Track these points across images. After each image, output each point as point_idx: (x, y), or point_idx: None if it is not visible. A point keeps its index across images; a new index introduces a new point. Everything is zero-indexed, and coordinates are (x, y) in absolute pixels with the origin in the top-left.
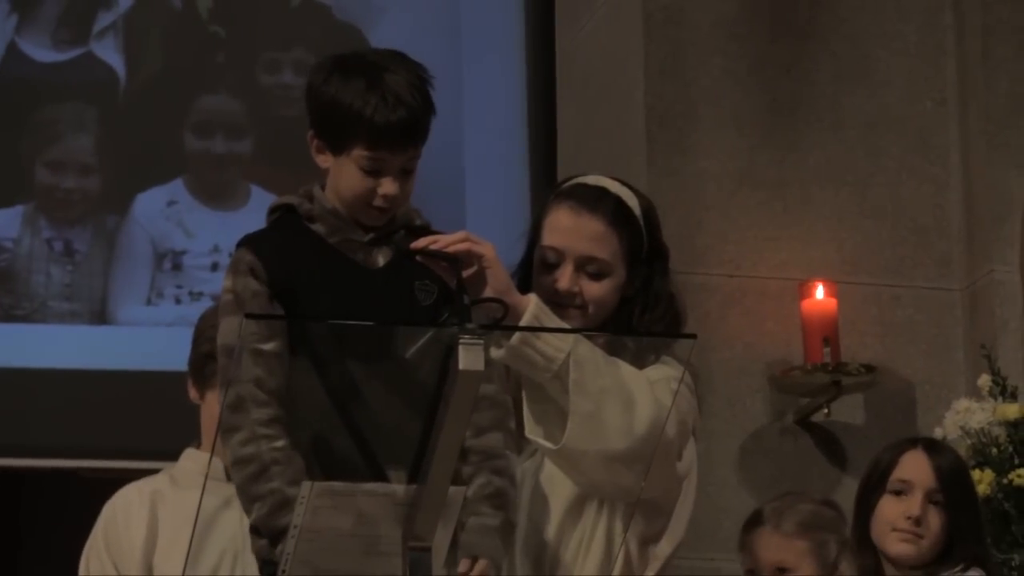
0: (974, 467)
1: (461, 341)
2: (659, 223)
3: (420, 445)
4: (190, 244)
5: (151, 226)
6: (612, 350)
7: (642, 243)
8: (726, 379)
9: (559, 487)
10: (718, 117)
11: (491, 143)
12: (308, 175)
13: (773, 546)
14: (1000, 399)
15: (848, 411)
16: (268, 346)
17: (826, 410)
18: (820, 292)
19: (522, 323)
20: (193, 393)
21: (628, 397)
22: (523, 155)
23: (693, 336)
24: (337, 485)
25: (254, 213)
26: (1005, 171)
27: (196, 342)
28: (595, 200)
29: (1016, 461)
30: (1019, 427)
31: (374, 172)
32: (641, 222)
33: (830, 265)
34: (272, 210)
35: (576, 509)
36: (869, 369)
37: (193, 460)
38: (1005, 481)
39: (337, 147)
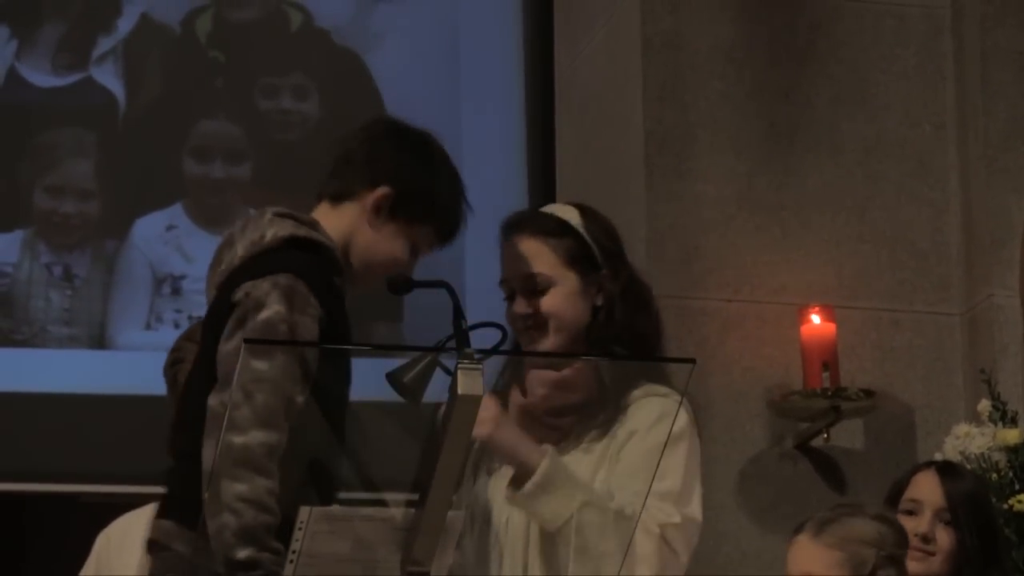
0: None
1: (460, 366)
2: (607, 226)
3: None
4: (189, 268)
5: (150, 251)
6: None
7: (586, 247)
8: (725, 404)
9: None
10: (716, 141)
11: (489, 168)
12: (306, 200)
13: (805, 554)
14: (1000, 424)
15: (847, 436)
16: (300, 399)
17: (825, 435)
18: (819, 317)
19: (535, 480)
20: None
21: (632, 559)
22: (522, 180)
23: (692, 361)
24: (336, 510)
25: None
26: (1004, 195)
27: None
28: (519, 222)
29: (1016, 486)
30: (1019, 452)
31: (415, 254)
32: (581, 229)
33: (829, 289)
34: (306, 243)
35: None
36: (868, 394)
37: None
38: (1005, 507)
39: (408, 220)
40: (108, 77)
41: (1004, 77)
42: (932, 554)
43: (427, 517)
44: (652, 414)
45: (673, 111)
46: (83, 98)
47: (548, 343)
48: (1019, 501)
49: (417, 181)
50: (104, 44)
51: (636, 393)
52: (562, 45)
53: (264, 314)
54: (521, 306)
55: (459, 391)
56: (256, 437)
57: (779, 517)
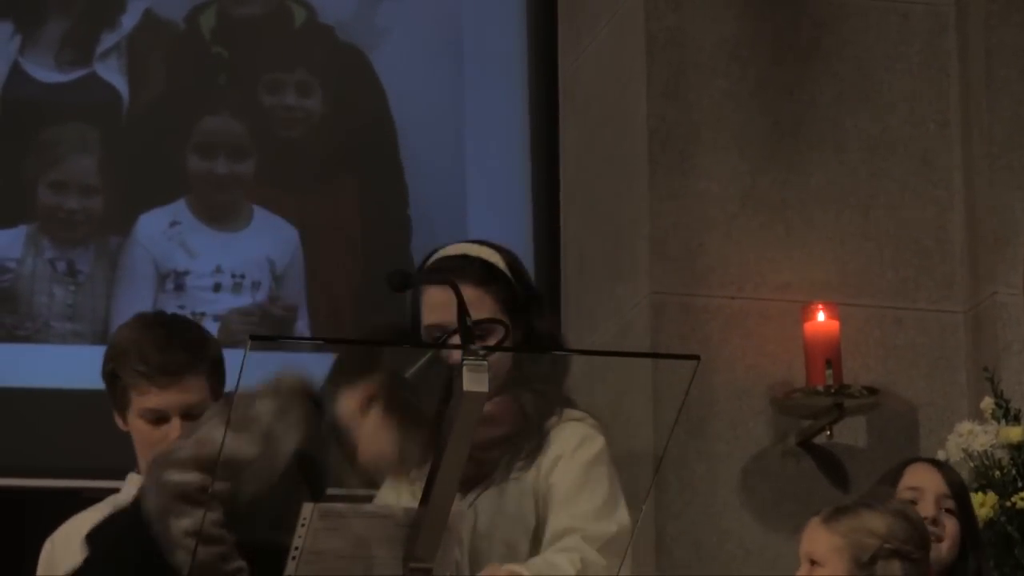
0: (976, 490)
1: (464, 363)
2: (524, 270)
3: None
4: (193, 264)
5: (153, 247)
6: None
7: (514, 293)
8: (728, 401)
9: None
10: (720, 139)
11: (493, 165)
12: (310, 195)
13: (812, 536)
14: (1003, 422)
15: (851, 433)
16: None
17: (828, 432)
18: (822, 314)
19: None
20: (119, 421)
21: None
22: (525, 177)
23: (696, 357)
24: (338, 507)
25: (256, 234)
26: (1008, 193)
27: (103, 365)
28: (457, 268)
29: (1019, 484)
30: (1022, 450)
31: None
32: (509, 274)
33: (832, 287)
34: None
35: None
36: (871, 391)
37: (136, 485)
38: (1008, 504)
39: None
40: (112, 73)
41: (1008, 75)
42: (940, 539)
43: (430, 514)
44: (573, 438)
45: (677, 108)
46: (87, 94)
47: None
48: (1022, 499)
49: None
50: (108, 40)
51: (553, 420)
52: (566, 42)
53: None
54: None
55: (464, 387)
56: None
57: (782, 514)
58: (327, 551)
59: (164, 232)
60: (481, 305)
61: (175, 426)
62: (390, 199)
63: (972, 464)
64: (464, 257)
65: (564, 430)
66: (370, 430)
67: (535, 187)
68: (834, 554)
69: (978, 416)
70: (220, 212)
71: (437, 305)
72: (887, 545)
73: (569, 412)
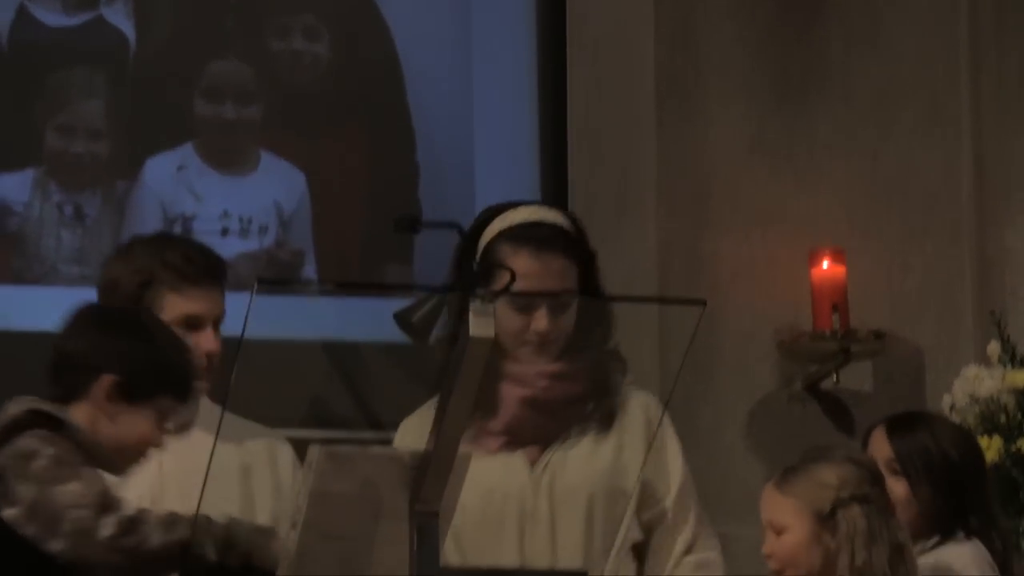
0: (982, 435)
1: (471, 308)
2: (585, 230)
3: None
4: (200, 209)
5: (161, 191)
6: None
7: (586, 258)
8: (735, 346)
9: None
10: (728, 84)
11: (501, 110)
12: (318, 140)
13: (768, 503)
14: (1009, 366)
15: (857, 378)
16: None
17: (835, 377)
18: (829, 260)
19: None
20: None
21: None
22: (533, 122)
23: (702, 303)
24: (344, 449)
25: (264, 178)
26: (1016, 139)
27: (112, 290)
28: (550, 238)
29: None
30: None
31: (161, 423)
32: (578, 238)
33: (840, 232)
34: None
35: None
36: (878, 336)
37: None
38: (1013, 449)
39: (143, 400)
40: (119, 17)
41: (1018, 20)
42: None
43: (436, 457)
44: (655, 409)
45: (684, 53)
46: (94, 38)
47: (547, 360)
48: None
49: (140, 361)
50: None
51: (624, 384)
52: None
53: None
54: (548, 322)
55: (471, 332)
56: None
57: (788, 459)
58: (334, 493)
59: (171, 176)
60: (567, 274)
61: (209, 335)
62: (397, 144)
63: (978, 409)
64: (550, 225)
65: (641, 398)
66: None
67: (543, 132)
68: (795, 516)
69: (984, 361)
70: (227, 156)
71: (528, 275)
72: (842, 494)
73: (630, 379)
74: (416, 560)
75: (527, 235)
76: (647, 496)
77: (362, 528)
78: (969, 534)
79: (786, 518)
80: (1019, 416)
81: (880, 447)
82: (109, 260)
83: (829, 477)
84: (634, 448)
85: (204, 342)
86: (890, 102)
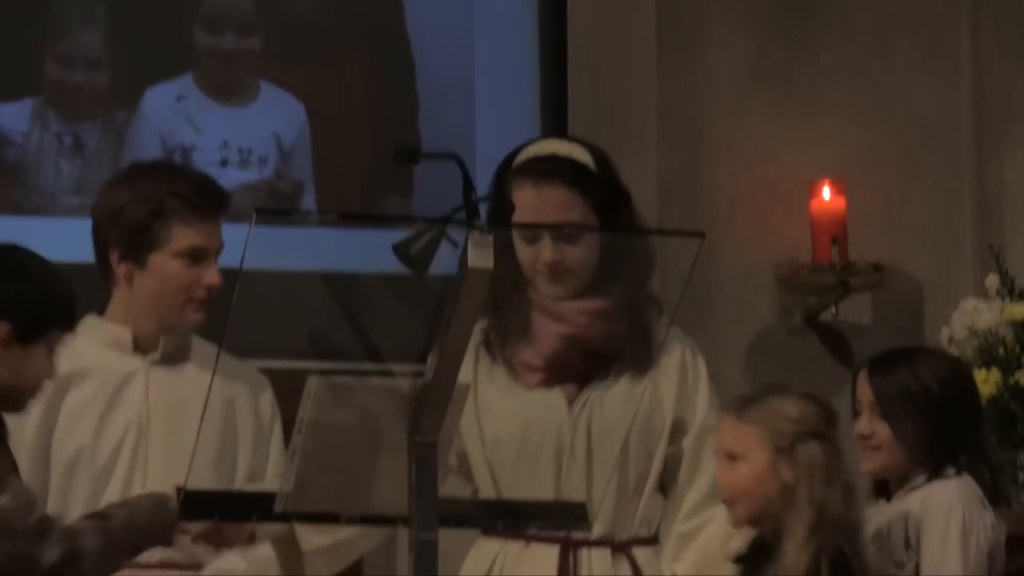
0: (980, 367)
1: (471, 239)
2: (614, 167)
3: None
4: (199, 139)
5: (160, 121)
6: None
7: (603, 193)
8: (734, 279)
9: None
10: (729, 15)
11: (501, 40)
12: (317, 71)
13: (727, 431)
14: (1007, 299)
15: (856, 310)
16: None
17: (834, 309)
18: (829, 191)
19: None
20: (124, 269)
21: None
22: (533, 53)
23: (701, 235)
24: (342, 379)
25: (263, 109)
26: (1016, 72)
27: (116, 216)
28: (551, 170)
29: (1023, 361)
30: None
31: (52, 353)
32: (598, 173)
33: (839, 165)
34: None
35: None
36: (877, 269)
37: (99, 330)
38: (1011, 381)
39: (35, 339)
40: None
41: None
42: (877, 448)
43: (434, 388)
44: (694, 355)
45: None
46: None
47: (565, 291)
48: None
49: (28, 303)
50: None
51: (662, 325)
52: None
53: None
54: (552, 252)
55: (469, 263)
56: None
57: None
58: (333, 423)
59: (171, 107)
60: (572, 207)
61: (213, 268)
62: (397, 75)
63: (976, 341)
64: (554, 158)
65: (677, 339)
66: None
67: (543, 63)
68: (755, 445)
69: (983, 294)
70: (227, 87)
71: (527, 207)
72: (802, 428)
73: (666, 321)
74: (414, 490)
75: (529, 168)
76: (675, 432)
77: (361, 459)
78: (959, 470)
79: (745, 447)
80: (1017, 349)
81: (863, 390)
82: (112, 186)
83: (791, 410)
84: (669, 390)
85: (208, 275)
86: (891, 34)
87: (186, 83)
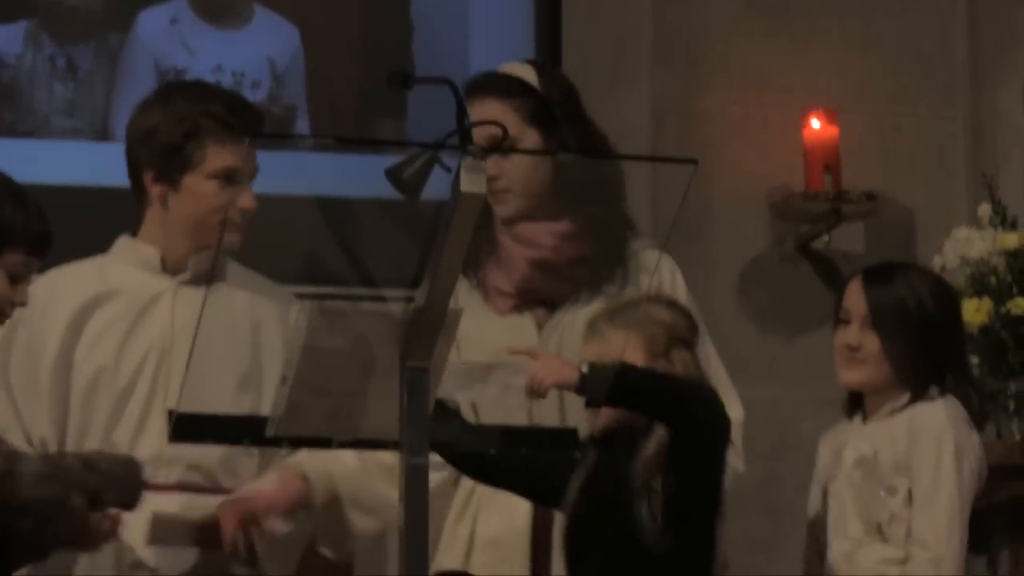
0: (972, 296)
1: (463, 163)
2: (565, 83)
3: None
4: (192, 63)
5: (153, 44)
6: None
7: (544, 104)
8: (726, 206)
9: None
10: None
11: None
12: None
13: (598, 338)
14: (1000, 228)
15: (848, 239)
16: None
17: (826, 237)
18: (823, 120)
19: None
20: (158, 190)
21: None
22: None
23: (694, 162)
24: (335, 304)
25: (257, 32)
26: (1012, 1)
27: (150, 136)
28: (485, 84)
29: (1014, 290)
30: (1018, 256)
31: (15, 280)
32: (540, 88)
33: (833, 93)
34: None
35: None
36: (870, 197)
37: (131, 251)
38: (1003, 311)
39: None
40: None
41: None
42: (863, 361)
43: (426, 314)
44: (669, 270)
45: None
46: None
47: (510, 210)
48: (1016, 305)
49: None
50: None
51: (634, 242)
52: None
53: None
54: (491, 167)
55: (461, 188)
56: None
57: (778, 319)
58: (325, 348)
59: (164, 30)
60: (503, 118)
61: (247, 192)
62: (391, 2)
63: (968, 270)
64: (488, 74)
65: (653, 258)
66: None
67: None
68: (630, 349)
69: (975, 223)
70: (220, 10)
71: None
72: (674, 334)
73: (644, 238)
74: (406, 415)
75: (468, 87)
76: None
77: (352, 383)
78: (943, 391)
79: (619, 350)
80: (1009, 278)
81: (856, 301)
82: (145, 106)
83: (662, 316)
84: None
85: (243, 199)
86: None
87: (180, 5)
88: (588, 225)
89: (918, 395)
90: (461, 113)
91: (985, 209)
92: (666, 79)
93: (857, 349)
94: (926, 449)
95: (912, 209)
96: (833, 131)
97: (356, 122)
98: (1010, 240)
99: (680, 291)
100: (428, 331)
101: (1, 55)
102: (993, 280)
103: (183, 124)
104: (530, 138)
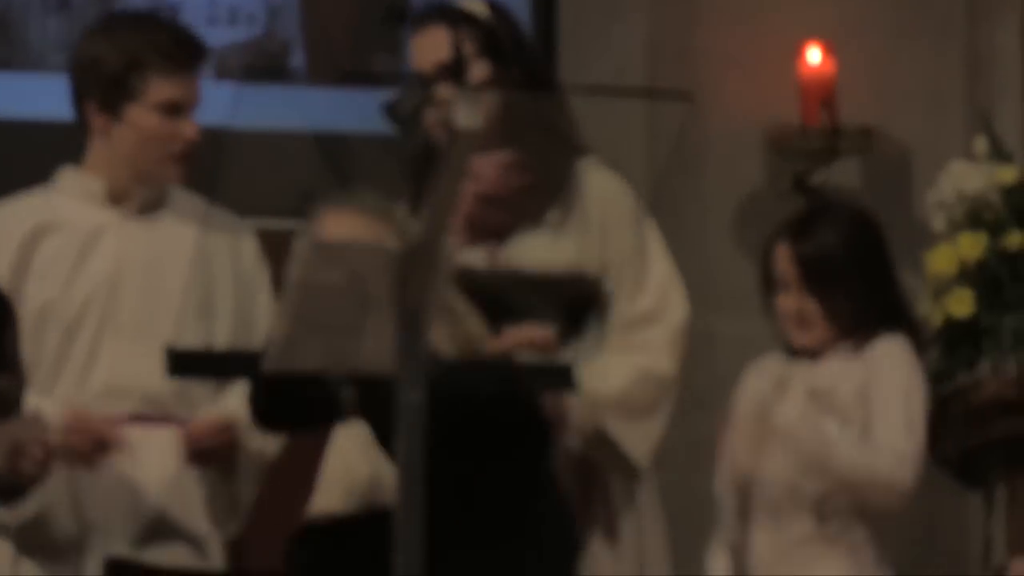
0: (967, 231)
1: (459, 98)
2: (515, 20)
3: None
4: None
5: None
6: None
7: (497, 39)
8: (722, 142)
9: None
10: None
11: None
12: None
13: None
14: (996, 163)
15: (845, 175)
16: None
17: (822, 174)
18: (818, 54)
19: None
20: (100, 121)
21: None
22: None
23: (689, 97)
24: (332, 241)
25: None
26: None
27: (92, 66)
28: (432, 13)
29: (1010, 225)
30: (1014, 192)
31: None
32: (491, 20)
33: (829, 26)
34: None
35: None
36: (865, 133)
37: (75, 182)
38: (999, 246)
39: None
40: None
41: None
42: (812, 324)
43: (422, 250)
44: (612, 190)
45: None
46: None
47: None
48: (1012, 240)
49: None
50: None
51: (578, 165)
52: None
53: None
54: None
55: (457, 123)
56: None
57: None
58: (321, 284)
59: None
60: (440, 46)
61: (191, 123)
62: None
63: (964, 205)
64: (445, 2)
65: (602, 180)
66: None
67: None
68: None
69: (971, 157)
70: None
71: (414, 56)
72: None
73: (589, 159)
74: (402, 352)
75: (420, 15)
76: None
77: (348, 319)
78: (892, 329)
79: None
80: (1005, 213)
81: (785, 265)
82: (88, 35)
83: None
84: (596, 234)
85: (187, 130)
86: None
87: None
88: (530, 154)
89: (865, 338)
90: (457, 47)
91: (981, 143)
92: (660, 13)
93: (802, 313)
94: (882, 385)
95: (909, 145)
96: (829, 66)
97: (352, 56)
98: (1007, 175)
99: (623, 209)
100: (424, 267)
101: None
102: (989, 215)
103: (125, 54)
104: (480, 68)
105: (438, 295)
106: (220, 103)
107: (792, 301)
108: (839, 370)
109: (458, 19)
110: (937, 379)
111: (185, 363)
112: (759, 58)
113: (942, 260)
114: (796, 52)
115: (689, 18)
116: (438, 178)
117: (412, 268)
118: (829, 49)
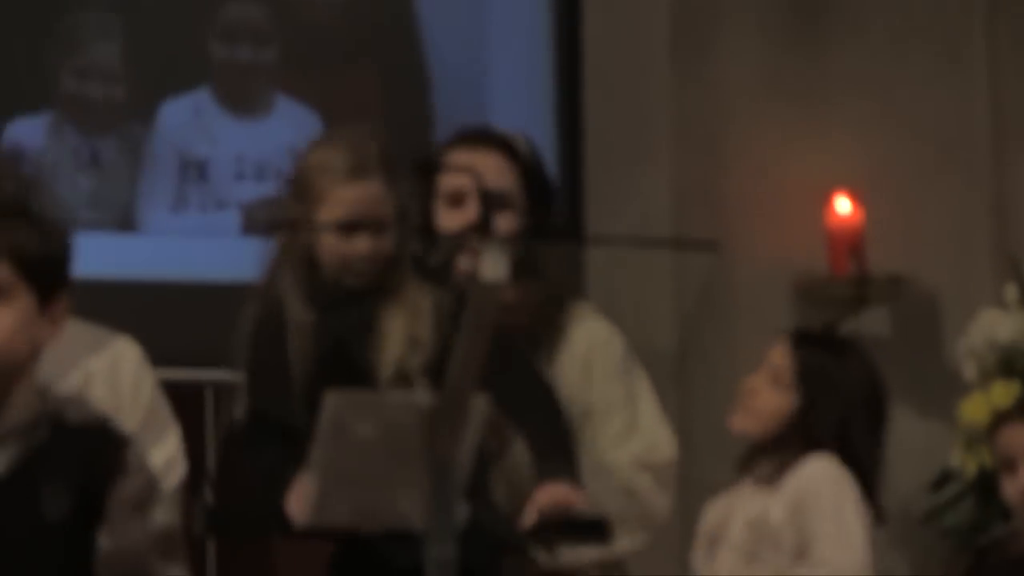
0: (1000, 379)
1: (484, 251)
2: (542, 160)
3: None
4: (214, 153)
5: (176, 135)
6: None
7: (533, 179)
8: (749, 291)
9: None
10: (743, 23)
11: (515, 51)
12: (334, 83)
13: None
14: None
15: (874, 323)
16: None
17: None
18: (846, 202)
19: None
20: None
21: None
22: (548, 63)
23: (712, 245)
24: (361, 395)
25: (279, 122)
26: None
27: None
28: (486, 136)
29: None
30: None
31: None
32: (530, 160)
33: (856, 175)
34: None
35: None
36: (894, 281)
37: None
38: None
39: None
40: None
41: None
42: (758, 412)
43: (451, 403)
44: (598, 337)
45: None
46: None
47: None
48: None
49: None
50: None
51: (569, 313)
52: None
53: None
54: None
55: (480, 276)
56: None
57: None
58: (350, 439)
59: (187, 120)
60: (502, 174)
61: None
62: (412, 86)
63: (996, 354)
64: (487, 128)
65: (588, 326)
66: None
67: (557, 73)
68: None
69: (1001, 304)
70: (242, 100)
71: (460, 166)
72: None
73: (582, 305)
74: (433, 506)
75: (464, 134)
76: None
77: (378, 473)
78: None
79: None
80: None
81: (782, 358)
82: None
83: None
84: (573, 377)
85: None
86: (905, 40)
87: (202, 96)
88: (523, 295)
89: (805, 450)
90: (484, 201)
91: (1011, 290)
92: (686, 161)
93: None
94: (822, 499)
95: (938, 292)
96: (857, 215)
97: None
98: None
99: (610, 356)
100: (454, 420)
101: (24, 147)
102: (1021, 363)
103: None
104: (519, 207)
105: (470, 447)
106: (248, 258)
107: (762, 385)
108: (766, 496)
109: (509, 150)
110: (972, 529)
111: (222, 521)
112: (786, 206)
113: (975, 409)
114: (823, 200)
115: (716, 166)
116: (462, 329)
117: (441, 421)
118: (856, 197)
